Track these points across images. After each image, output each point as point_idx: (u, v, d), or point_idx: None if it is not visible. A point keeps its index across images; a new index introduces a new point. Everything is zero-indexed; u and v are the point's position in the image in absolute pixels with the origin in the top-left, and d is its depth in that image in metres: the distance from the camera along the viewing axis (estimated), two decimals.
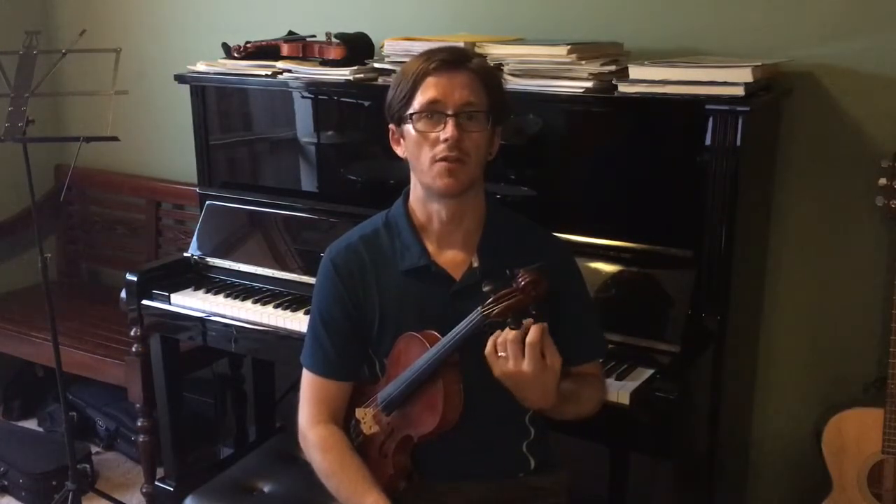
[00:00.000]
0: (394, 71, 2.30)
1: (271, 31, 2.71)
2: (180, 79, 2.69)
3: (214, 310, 2.45)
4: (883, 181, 2.06)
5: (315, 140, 2.57)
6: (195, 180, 2.78)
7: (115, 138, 2.38)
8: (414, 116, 1.57)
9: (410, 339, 1.60)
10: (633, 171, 2.08)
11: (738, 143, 1.91)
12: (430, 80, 1.56)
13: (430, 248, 1.66)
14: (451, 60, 1.57)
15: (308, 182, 2.62)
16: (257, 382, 3.05)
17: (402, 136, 1.63)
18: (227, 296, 2.48)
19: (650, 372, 1.91)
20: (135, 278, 2.55)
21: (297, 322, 2.28)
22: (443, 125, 1.55)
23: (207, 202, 2.72)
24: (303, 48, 2.55)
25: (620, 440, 2.01)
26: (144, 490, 2.80)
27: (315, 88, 2.49)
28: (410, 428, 1.62)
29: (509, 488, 1.71)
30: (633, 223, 2.08)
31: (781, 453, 2.46)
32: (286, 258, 2.54)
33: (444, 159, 1.55)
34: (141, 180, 3.38)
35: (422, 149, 1.58)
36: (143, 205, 3.37)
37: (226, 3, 3.11)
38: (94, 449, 3.21)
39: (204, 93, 2.68)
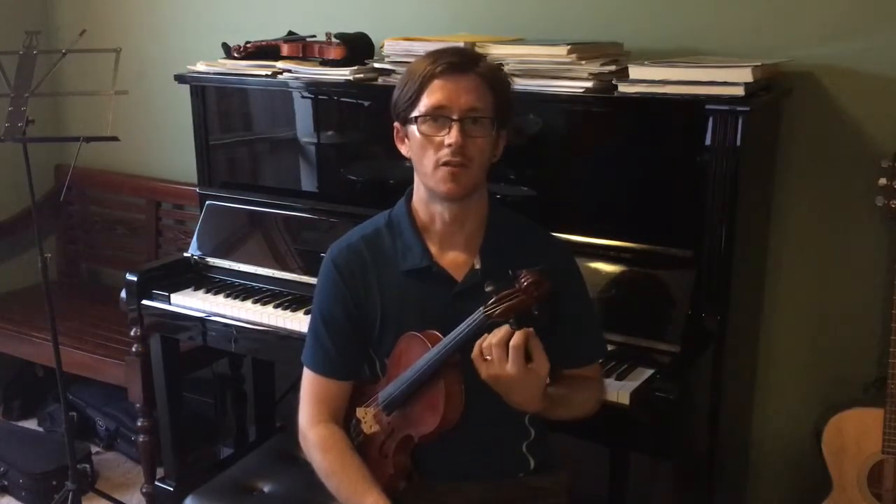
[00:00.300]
0: (394, 71, 2.30)
1: (271, 31, 2.71)
2: (180, 79, 2.69)
3: (214, 310, 2.45)
4: (883, 181, 2.06)
5: (315, 140, 2.57)
6: (195, 180, 2.78)
7: (115, 138, 2.38)
8: (419, 119, 1.57)
9: (412, 339, 1.60)
10: (633, 171, 2.08)
11: (738, 143, 1.90)
12: (436, 83, 1.55)
13: (433, 248, 1.66)
14: (459, 63, 1.56)
15: (308, 182, 2.62)
16: (257, 382, 3.05)
17: (407, 135, 1.62)
18: (227, 296, 2.48)
19: (650, 372, 1.91)
20: (135, 278, 2.55)
21: (298, 322, 2.28)
22: (447, 129, 1.55)
23: (207, 202, 2.72)
24: (303, 48, 2.55)
25: (620, 440, 2.01)
26: (144, 490, 2.80)
27: (315, 88, 2.49)
28: (411, 428, 1.61)
29: (509, 488, 1.71)
30: (633, 223, 2.08)
31: (781, 453, 2.46)
32: (286, 258, 2.54)
33: (447, 164, 1.55)
34: (141, 180, 3.38)
35: (426, 152, 1.57)
36: (143, 205, 3.37)
37: (226, 3, 3.11)
38: (94, 449, 3.21)
39: (204, 93, 2.68)
